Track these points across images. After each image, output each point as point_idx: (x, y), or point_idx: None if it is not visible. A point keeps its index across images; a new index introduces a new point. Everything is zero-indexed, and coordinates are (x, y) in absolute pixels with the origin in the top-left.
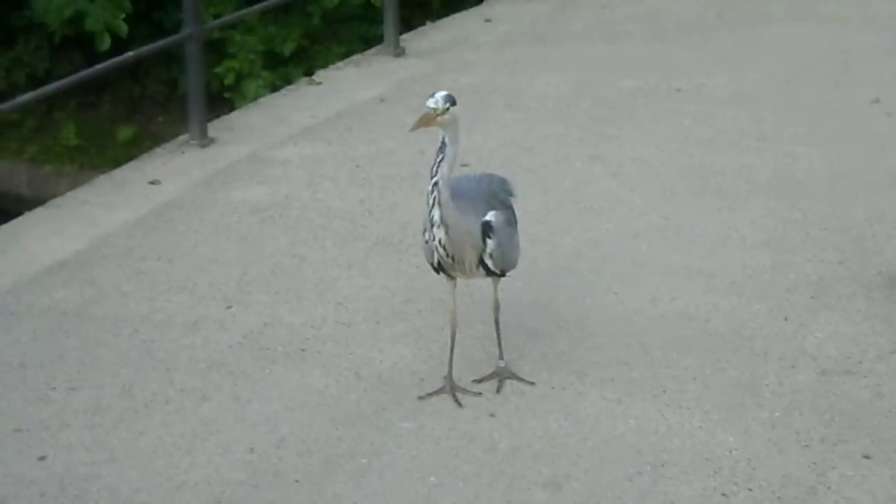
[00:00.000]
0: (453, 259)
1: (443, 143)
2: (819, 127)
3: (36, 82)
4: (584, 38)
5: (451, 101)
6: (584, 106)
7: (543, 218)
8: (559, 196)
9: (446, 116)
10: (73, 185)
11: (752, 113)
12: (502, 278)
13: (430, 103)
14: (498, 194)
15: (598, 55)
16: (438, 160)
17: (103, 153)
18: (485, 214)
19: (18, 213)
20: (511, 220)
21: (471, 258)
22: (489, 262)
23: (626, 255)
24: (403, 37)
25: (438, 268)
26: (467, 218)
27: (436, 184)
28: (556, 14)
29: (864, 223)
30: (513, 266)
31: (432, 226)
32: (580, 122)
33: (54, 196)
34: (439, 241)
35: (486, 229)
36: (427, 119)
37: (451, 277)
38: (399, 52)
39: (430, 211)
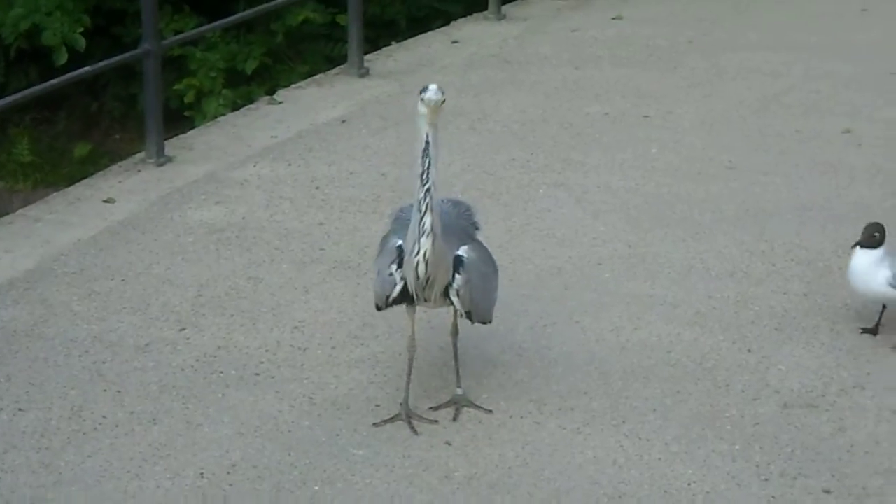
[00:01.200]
0: (427, 280)
1: (427, 144)
2: (788, 156)
3: None
4: (552, 62)
5: (444, 96)
6: (550, 131)
7: (505, 245)
8: (522, 222)
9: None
10: (27, 202)
11: (721, 141)
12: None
13: (435, 95)
14: (467, 228)
15: (566, 79)
16: (426, 165)
17: (58, 170)
18: (457, 248)
19: None
20: (485, 260)
21: (440, 284)
22: (455, 300)
23: (589, 283)
24: (368, 57)
25: (394, 299)
26: (446, 244)
27: (428, 190)
28: (524, 37)
29: (832, 255)
30: (485, 313)
31: (420, 235)
32: (545, 147)
33: (6, 213)
34: (424, 255)
35: (457, 263)
36: (438, 110)
37: (411, 304)
38: (363, 73)
39: (422, 218)
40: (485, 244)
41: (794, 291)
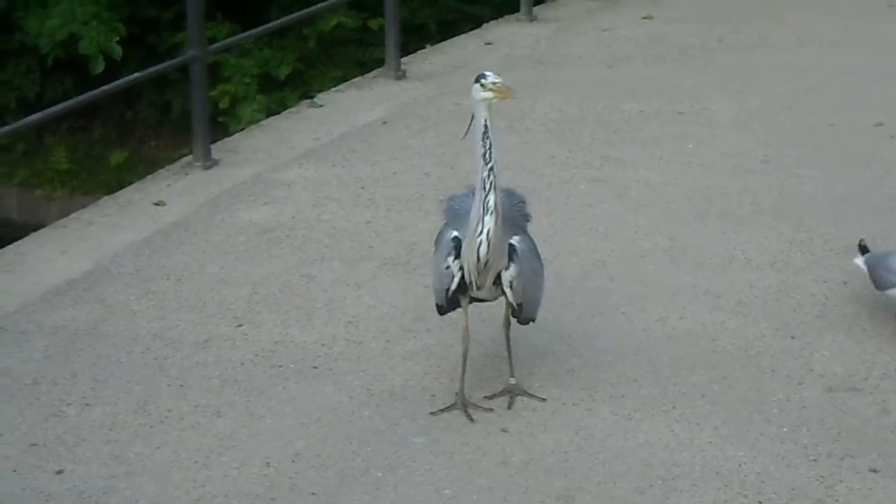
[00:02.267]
0: (486, 263)
1: (486, 127)
2: (823, 150)
3: (26, 105)
4: (586, 61)
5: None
6: (587, 128)
7: (549, 239)
8: (564, 217)
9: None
10: (65, 210)
11: (756, 136)
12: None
13: (496, 78)
14: (518, 220)
15: (600, 78)
16: (488, 146)
17: (95, 177)
18: (511, 236)
19: (9, 238)
20: (534, 252)
21: (495, 270)
22: (507, 291)
23: (633, 275)
24: (404, 60)
25: (453, 292)
26: (505, 227)
27: (491, 168)
28: (556, 37)
29: (869, 244)
30: (532, 308)
31: (485, 214)
32: (583, 144)
33: (45, 221)
34: (487, 233)
35: (511, 252)
36: (503, 90)
37: (465, 295)
38: (400, 75)
39: (486, 196)
40: (530, 236)
41: (834, 280)
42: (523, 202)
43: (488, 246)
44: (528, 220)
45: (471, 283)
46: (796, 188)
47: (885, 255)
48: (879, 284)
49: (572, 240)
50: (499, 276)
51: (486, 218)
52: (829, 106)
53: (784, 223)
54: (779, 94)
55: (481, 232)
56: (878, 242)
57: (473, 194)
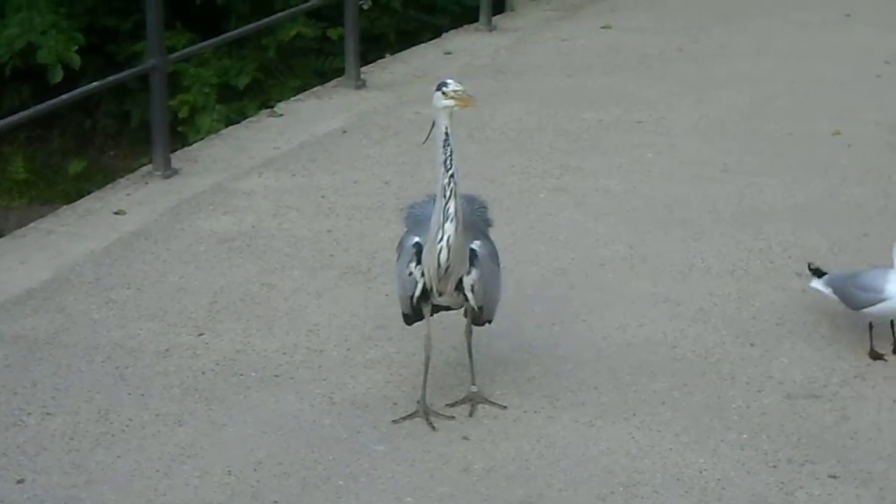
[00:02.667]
0: (446, 270)
1: (447, 135)
2: (781, 158)
3: None
4: (545, 71)
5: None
6: (547, 137)
7: (510, 247)
8: (524, 226)
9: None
10: (23, 220)
11: (714, 145)
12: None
13: (457, 86)
14: (479, 225)
15: (559, 87)
16: (448, 153)
17: (53, 187)
18: (472, 241)
19: None
20: (494, 256)
21: (456, 276)
22: (469, 295)
23: (593, 283)
24: (364, 69)
25: (417, 298)
26: (466, 233)
27: (452, 176)
28: (516, 47)
29: (827, 252)
30: (491, 310)
31: (445, 220)
32: (543, 153)
33: (3, 231)
34: (448, 240)
35: (472, 257)
36: (464, 97)
37: (427, 303)
38: (360, 85)
39: (447, 203)
40: (493, 242)
41: (793, 288)
42: (485, 207)
43: (448, 252)
44: (489, 225)
45: (432, 289)
46: (755, 196)
47: (852, 275)
48: (855, 304)
49: (532, 248)
50: (460, 281)
51: (447, 225)
52: (787, 115)
53: (743, 231)
54: (737, 103)
55: (442, 238)
56: (836, 250)
57: (434, 202)
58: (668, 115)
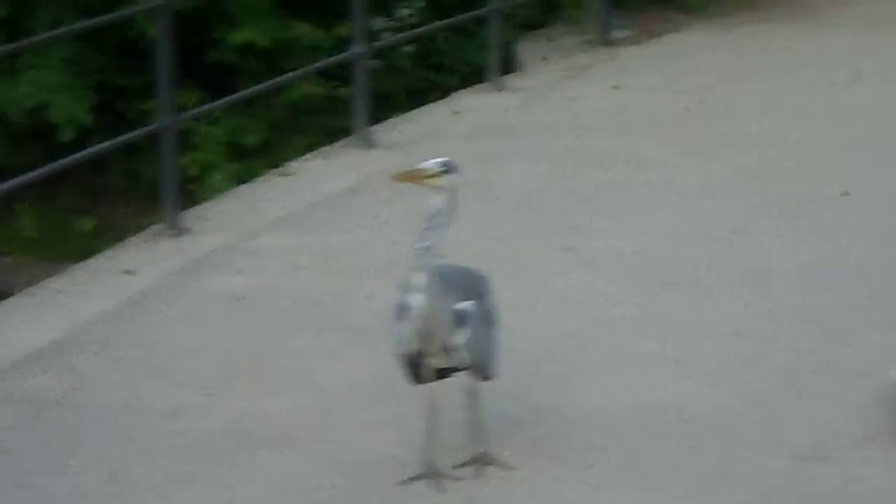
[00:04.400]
0: (425, 336)
1: (437, 211)
2: (789, 219)
3: None
4: (553, 131)
5: (448, 167)
6: (555, 198)
7: (518, 308)
8: (533, 286)
9: (439, 181)
10: (33, 277)
11: (722, 205)
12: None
13: (429, 163)
14: (476, 287)
15: (568, 148)
16: (428, 227)
17: (63, 245)
18: (458, 302)
19: None
20: (488, 315)
21: (439, 340)
22: (458, 354)
23: (602, 344)
24: (373, 128)
25: (413, 358)
26: (443, 299)
27: (426, 248)
28: (524, 106)
29: (836, 314)
30: (488, 368)
31: (411, 291)
32: (551, 213)
33: (13, 288)
34: (416, 311)
35: (458, 318)
36: (412, 175)
37: (424, 363)
38: (369, 144)
39: (414, 275)
40: (492, 302)
41: (801, 349)
42: (484, 280)
43: (419, 322)
44: (486, 293)
45: (419, 352)
46: (763, 257)
47: None
48: None
49: (541, 309)
50: (450, 343)
51: (415, 296)
52: (795, 175)
53: (751, 292)
54: (745, 164)
55: (413, 309)
56: (845, 311)
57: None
58: (676, 176)
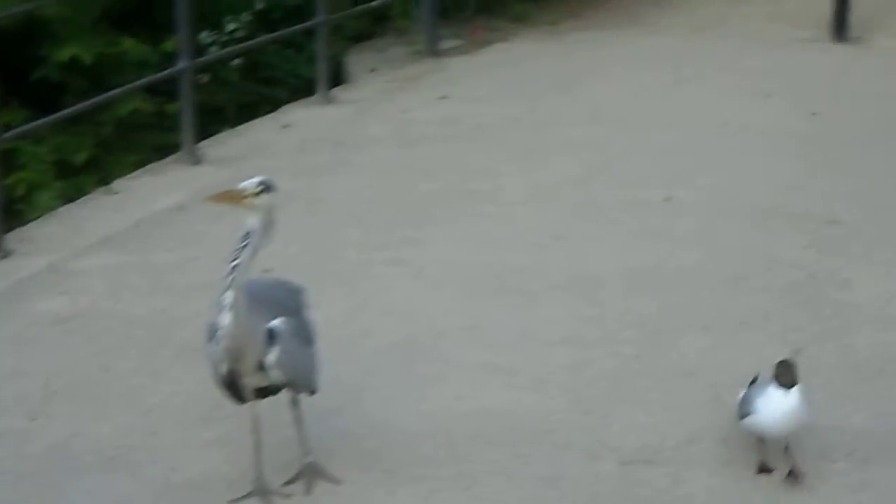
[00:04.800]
0: (235, 356)
1: (253, 231)
2: (614, 225)
3: None
4: (383, 143)
5: (266, 186)
6: (385, 210)
7: (348, 321)
8: (362, 300)
9: (257, 201)
10: None
11: (549, 213)
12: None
13: (248, 183)
14: (290, 302)
15: (397, 159)
16: (242, 245)
17: None
18: (270, 321)
19: None
20: (301, 331)
21: (251, 358)
22: (272, 373)
23: (431, 355)
24: (200, 144)
25: (228, 379)
26: (253, 318)
27: (235, 266)
28: (354, 119)
29: (660, 318)
30: (307, 382)
31: (221, 310)
32: (381, 225)
33: None
34: (225, 330)
35: (270, 336)
36: (229, 195)
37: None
38: (197, 160)
39: (223, 293)
40: (307, 318)
41: (626, 354)
42: (299, 292)
43: (229, 340)
44: (303, 308)
45: (232, 372)
46: (588, 263)
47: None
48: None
49: (370, 322)
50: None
51: (223, 314)
52: (619, 181)
53: (577, 298)
54: (571, 171)
55: (220, 328)
56: (669, 316)
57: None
58: (503, 184)
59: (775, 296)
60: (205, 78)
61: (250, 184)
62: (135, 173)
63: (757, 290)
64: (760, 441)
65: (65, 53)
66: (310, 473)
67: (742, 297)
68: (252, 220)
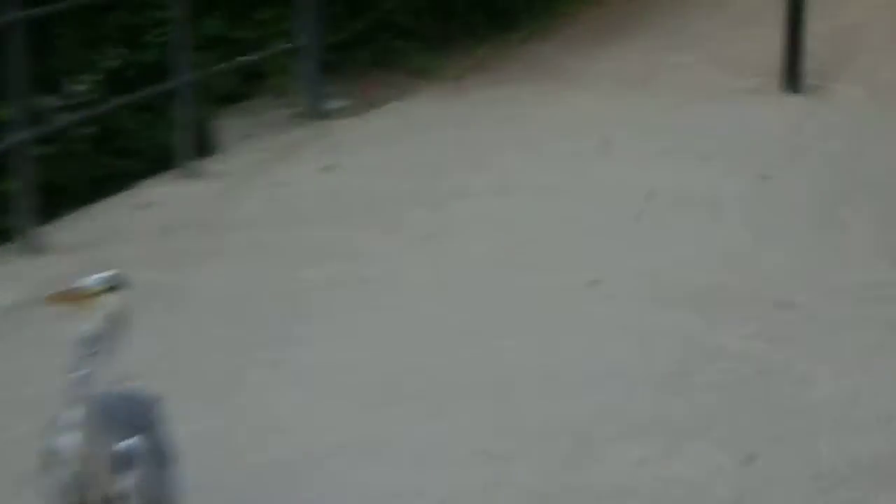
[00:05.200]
0: (84, 483)
1: (99, 335)
2: (530, 316)
3: None
4: (258, 223)
5: (114, 283)
6: (261, 303)
7: (219, 438)
8: (236, 412)
9: (103, 300)
10: None
11: (455, 303)
12: None
13: (90, 281)
14: (142, 418)
15: (275, 243)
16: (90, 353)
17: None
18: (120, 440)
19: None
20: (157, 452)
21: (101, 485)
22: (129, 499)
23: (318, 476)
24: (42, 229)
25: None
26: (102, 438)
27: (83, 377)
28: (225, 196)
29: (588, 423)
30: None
31: (61, 431)
32: (257, 321)
33: None
34: (74, 451)
35: (122, 460)
36: (70, 295)
37: None
38: (37, 249)
39: (69, 410)
40: (163, 435)
41: (551, 469)
42: (150, 404)
43: (76, 464)
44: (156, 424)
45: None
46: (502, 363)
47: None
48: None
49: (243, 440)
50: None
51: (72, 435)
52: (536, 263)
53: (489, 404)
54: (479, 253)
55: (64, 451)
56: (598, 420)
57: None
58: (399, 270)
59: (721, 395)
60: (46, 150)
61: (94, 281)
62: None
63: (699, 389)
64: None
65: None
66: None
67: (682, 397)
68: (92, 325)
